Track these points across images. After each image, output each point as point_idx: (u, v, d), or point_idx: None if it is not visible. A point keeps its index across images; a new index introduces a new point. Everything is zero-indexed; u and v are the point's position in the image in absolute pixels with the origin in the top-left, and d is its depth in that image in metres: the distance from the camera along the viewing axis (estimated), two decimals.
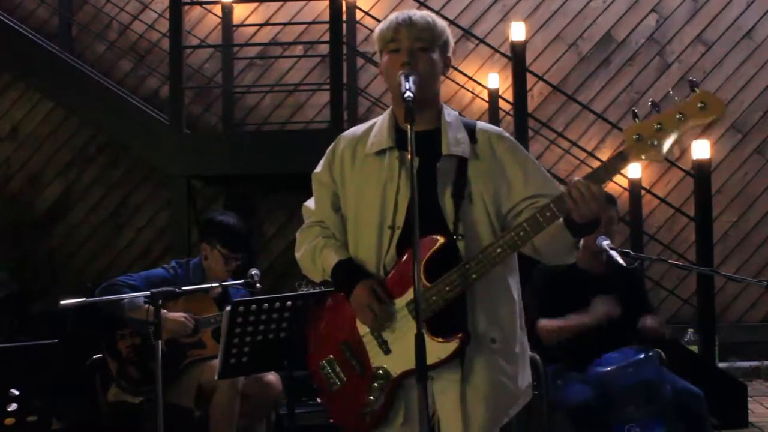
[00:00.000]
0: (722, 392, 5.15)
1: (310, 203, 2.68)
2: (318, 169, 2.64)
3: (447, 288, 2.39)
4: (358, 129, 2.63)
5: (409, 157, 2.24)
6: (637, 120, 2.26)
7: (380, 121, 2.58)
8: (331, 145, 2.64)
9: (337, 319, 2.59)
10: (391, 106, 2.59)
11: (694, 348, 5.44)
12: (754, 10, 7.40)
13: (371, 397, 2.48)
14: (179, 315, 4.04)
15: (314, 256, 2.58)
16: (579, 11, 7.51)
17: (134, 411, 4.10)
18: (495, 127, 2.61)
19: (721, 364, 5.88)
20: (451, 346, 2.39)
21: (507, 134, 2.59)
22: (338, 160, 2.58)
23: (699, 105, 2.21)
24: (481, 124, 2.58)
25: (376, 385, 2.48)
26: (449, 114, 2.55)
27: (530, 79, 6.57)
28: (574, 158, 7.16)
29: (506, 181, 2.49)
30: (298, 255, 2.66)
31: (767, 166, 7.35)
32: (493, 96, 6.92)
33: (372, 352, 2.51)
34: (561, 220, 2.34)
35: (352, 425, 2.55)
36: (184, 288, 3.86)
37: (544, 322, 3.83)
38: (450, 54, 2.55)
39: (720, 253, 6.97)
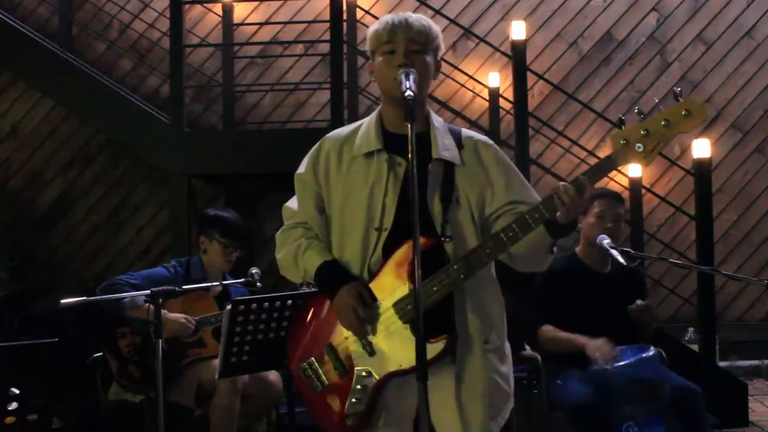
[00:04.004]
0: (723, 391, 5.15)
1: (292, 203, 2.67)
2: (301, 169, 2.64)
3: (435, 288, 2.39)
4: (343, 130, 2.63)
5: (400, 160, 2.29)
6: (623, 126, 2.34)
7: (366, 123, 2.58)
8: (315, 146, 2.63)
9: (319, 320, 2.58)
10: (377, 109, 2.60)
11: (695, 347, 5.43)
12: (754, 9, 7.40)
13: (353, 400, 2.48)
14: (180, 316, 4.04)
15: (296, 257, 2.57)
16: (579, 10, 7.51)
17: (135, 410, 4.11)
18: (479, 135, 2.64)
19: (722, 363, 5.87)
20: (437, 347, 2.38)
21: (491, 142, 2.62)
22: (323, 161, 2.58)
23: (683, 113, 2.29)
24: (466, 132, 2.61)
25: (359, 387, 2.47)
26: (436, 119, 2.58)
27: (531, 78, 6.56)
28: (574, 157, 7.17)
29: (490, 187, 2.51)
30: (278, 255, 2.64)
31: None
32: (494, 95, 6.92)
33: (355, 353, 2.50)
34: (541, 225, 2.37)
35: (335, 428, 2.53)
36: (184, 287, 3.87)
37: (547, 329, 3.86)
38: (439, 58, 2.57)
39: (720, 252, 6.97)
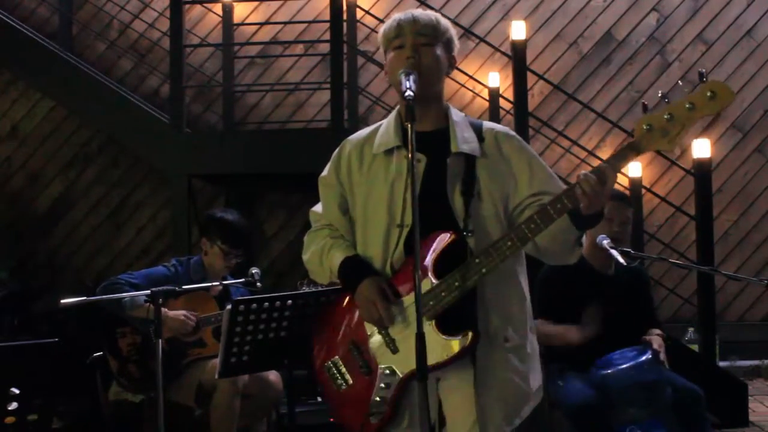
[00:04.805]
0: (723, 391, 5.14)
1: (318, 207, 2.68)
2: (324, 172, 2.65)
3: (456, 283, 2.38)
4: (364, 131, 2.64)
5: (419, 156, 2.27)
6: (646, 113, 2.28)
7: (387, 122, 2.59)
8: (337, 149, 2.64)
9: (343, 318, 2.59)
10: (397, 107, 2.60)
11: (695, 347, 5.44)
12: (754, 8, 7.40)
13: (377, 398, 2.47)
14: (180, 313, 4.04)
15: (322, 257, 2.58)
16: (579, 10, 7.51)
17: (135, 409, 4.10)
18: (501, 126, 2.62)
19: (722, 363, 5.87)
20: (460, 343, 2.37)
21: (513, 132, 2.60)
22: (345, 163, 2.59)
23: (708, 94, 2.22)
24: (488, 123, 2.60)
25: (382, 385, 2.47)
26: (456, 114, 2.56)
27: (531, 78, 6.57)
28: (574, 157, 7.17)
29: (513, 179, 2.49)
30: (305, 257, 2.66)
31: None
32: (494, 95, 6.92)
33: (379, 351, 2.49)
34: (566, 217, 2.33)
35: (358, 426, 2.51)
36: (184, 286, 3.87)
37: (541, 325, 3.80)
38: (455, 53, 2.56)
39: (720, 252, 6.96)
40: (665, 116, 2.24)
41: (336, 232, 2.61)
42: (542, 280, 3.90)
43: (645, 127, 2.25)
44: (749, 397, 5.42)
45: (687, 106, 2.23)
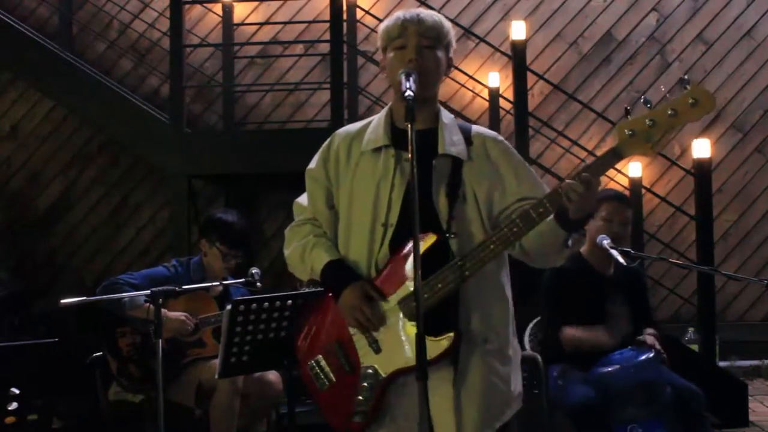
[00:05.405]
0: (723, 391, 5.14)
1: (303, 199, 2.67)
2: (312, 165, 2.63)
3: (439, 285, 2.38)
4: (354, 126, 2.62)
5: (407, 156, 2.26)
6: (629, 116, 2.27)
7: (377, 119, 2.57)
8: (326, 142, 2.62)
9: (327, 318, 2.58)
10: (389, 104, 2.59)
11: (695, 347, 5.44)
12: (754, 9, 7.40)
13: (360, 397, 2.47)
14: (179, 314, 4.04)
15: (304, 254, 2.57)
16: (579, 10, 7.51)
17: (135, 409, 4.10)
18: (490, 131, 2.61)
19: (722, 363, 5.87)
20: (443, 344, 2.37)
21: (501, 138, 2.59)
22: (333, 157, 2.57)
23: (690, 101, 2.21)
24: (477, 128, 2.59)
25: (365, 384, 2.46)
26: (446, 116, 2.56)
27: (531, 78, 6.57)
28: (574, 157, 7.16)
29: (500, 183, 2.49)
30: (286, 252, 2.65)
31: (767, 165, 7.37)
32: (494, 95, 6.92)
33: (362, 351, 2.49)
34: (552, 219, 2.33)
35: (343, 425, 2.52)
36: (184, 287, 3.87)
37: (570, 331, 3.84)
38: (451, 55, 2.55)
39: (720, 252, 6.97)
40: (647, 122, 2.22)
41: (318, 229, 2.60)
42: (548, 287, 3.91)
43: (628, 133, 2.24)
44: (749, 397, 5.42)
45: (669, 112, 2.22)
